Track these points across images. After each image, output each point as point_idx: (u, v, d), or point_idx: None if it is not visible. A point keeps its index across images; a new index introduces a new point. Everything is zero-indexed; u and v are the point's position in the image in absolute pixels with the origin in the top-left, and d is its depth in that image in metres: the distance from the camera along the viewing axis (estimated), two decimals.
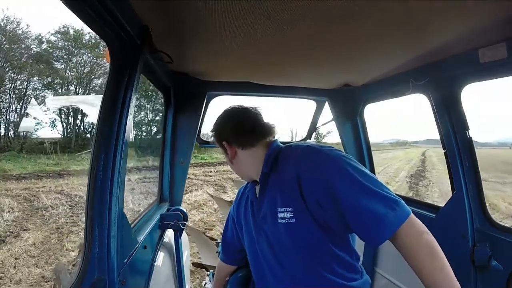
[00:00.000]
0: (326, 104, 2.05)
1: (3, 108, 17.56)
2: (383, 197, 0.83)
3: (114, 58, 0.85)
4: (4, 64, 17.08)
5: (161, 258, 1.36)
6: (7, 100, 17.71)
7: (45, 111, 18.36)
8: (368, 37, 1.10)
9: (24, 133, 17.01)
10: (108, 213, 0.79)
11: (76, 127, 19.08)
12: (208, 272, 2.26)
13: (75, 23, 18.77)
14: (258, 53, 1.28)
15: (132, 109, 0.88)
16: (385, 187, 0.86)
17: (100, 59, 19.19)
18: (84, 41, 19.08)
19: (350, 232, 0.93)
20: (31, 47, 18.17)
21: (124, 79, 0.85)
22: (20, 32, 17.60)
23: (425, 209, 1.53)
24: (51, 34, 18.93)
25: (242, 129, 1.03)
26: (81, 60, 19.67)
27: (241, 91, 1.87)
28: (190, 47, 1.22)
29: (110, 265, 0.79)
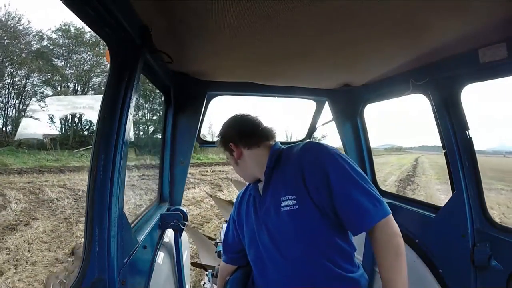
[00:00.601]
0: (326, 104, 2.05)
1: (1, 103, 17.64)
2: (369, 193, 0.96)
3: (114, 58, 0.85)
4: (4, 60, 17.09)
5: (161, 258, 1.36)
6: (6, 96, 17.77)
7: (43, 107, 18.49)
8: (368, 37, 1.10)
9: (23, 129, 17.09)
10: (108, 213, 0.79)
11: (74, 125, 19.17)
12: (207, 272, 2.26)
13: (76, 21, 18.90)
14: (258, 53, 1.28)
15: (132, 109, 0.88)
16: (373, 186, 0.99)
17: (100, 57, 19.27)
18: (84, 39, 19.17)
19: (340, 218, 1.00)
20: (32, 43, 18.25)
21: (124, 79, 0.85)
22: (21, 28, 17.68)
23: (425, 209, 1.53)
24: (52, 32, 19.07)
25: (246, 131, 1.16)
26: (80, 58, 19.75)
27: (241, 91, 1.87)
28: (190, 47, 1.22)
29: (110, 265, 0.79)
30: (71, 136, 18.24)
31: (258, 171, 1.15)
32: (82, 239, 0.81)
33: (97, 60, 19.72)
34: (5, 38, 17.09)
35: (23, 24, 17.74)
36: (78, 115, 18.74)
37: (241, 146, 1.15)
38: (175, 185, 1.74)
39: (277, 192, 1.05)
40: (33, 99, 18.72)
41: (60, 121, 18.87)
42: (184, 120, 1.70)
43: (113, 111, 0.82)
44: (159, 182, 1.73)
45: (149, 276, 1.19)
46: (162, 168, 1.72)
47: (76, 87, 20.05)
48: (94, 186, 0.78)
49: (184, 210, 1.58)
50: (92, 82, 20.40)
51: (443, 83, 1.31)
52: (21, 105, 18.35)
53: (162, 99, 1.72)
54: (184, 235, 1.73)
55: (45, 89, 19.20)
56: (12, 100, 18.12)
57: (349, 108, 1.95)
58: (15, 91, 18.02)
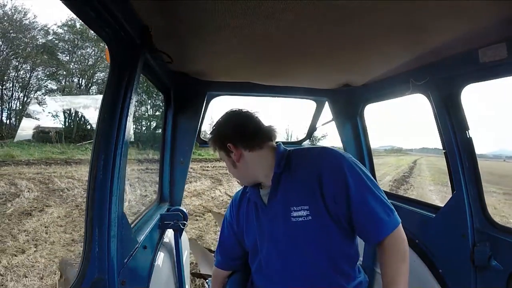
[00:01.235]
0: (326, 104, 2.05)
1: (6, 96, 17.78)
2: (383, 202, 0.96)
3: (114, 58, 0.85)
4: (10, 52, 17.19)
5: (161, 258, 1.36)
6: (10, 89, 17.90)
7: (43, 106, 18.65)
8: (368, 37, 1.09)
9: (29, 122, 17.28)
10: (108, 213, 0.79)
11: (78, 119, 19.43)
12: (207, 280, 2.26)
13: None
14: (258, 53, 1.28)
15: (132, 109, 0.88)
16: (383, 192, 0.99)
17: (104, 52, 19.52)
18: (89, 35, 19.36)
19: (353, 227, 0.99)
20: (37, 37, 18.39)
21: (124, 79, 0.85)
22: (27, 22, 17.81)
23: (425, 209, 1.52)
24: (58, 27, 19.31)
25: (247, 131, 1.04)
26: (85, 53, 20.01)
27: (241, 91, 1.87)
28: (190, 47, 1.22)
29: (110, 265, 0.79)
30: (74, 129, 18.52)
31: (261, 175, 1.05)
32: None
33: (101, 55, 19.95)
34: (11, 31, 17.15)
35: (29, 19, 17.92)
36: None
37: (242, 148, 1.03)
38: (175, 185, 1.74)
39: (287, 201, 0.99)
40: (38, 92, 18.94)
41: (64, 115, 19.24)
42: (184, 120, 1.70)
43: (113, 111, 0.82)
44: (159, 182, 1.73)
45: (149, 276, 1.18)
46: (162, 168, 1.71)
47: (80, 82, 20.27)
48: (94, 186, 0.78)
49: (184, 210, 1.58)
50: (96, 77, 20.67)
51: (443, 83, 1.31)
52: (25, 98, 18.51)
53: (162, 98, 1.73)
54: (184, 235, 1.73)
55: (50, 83, 19.44)
56: (17, 93, 18.31)
57: (349, 108, 1.95)
58: (19, 84, 18.17)
